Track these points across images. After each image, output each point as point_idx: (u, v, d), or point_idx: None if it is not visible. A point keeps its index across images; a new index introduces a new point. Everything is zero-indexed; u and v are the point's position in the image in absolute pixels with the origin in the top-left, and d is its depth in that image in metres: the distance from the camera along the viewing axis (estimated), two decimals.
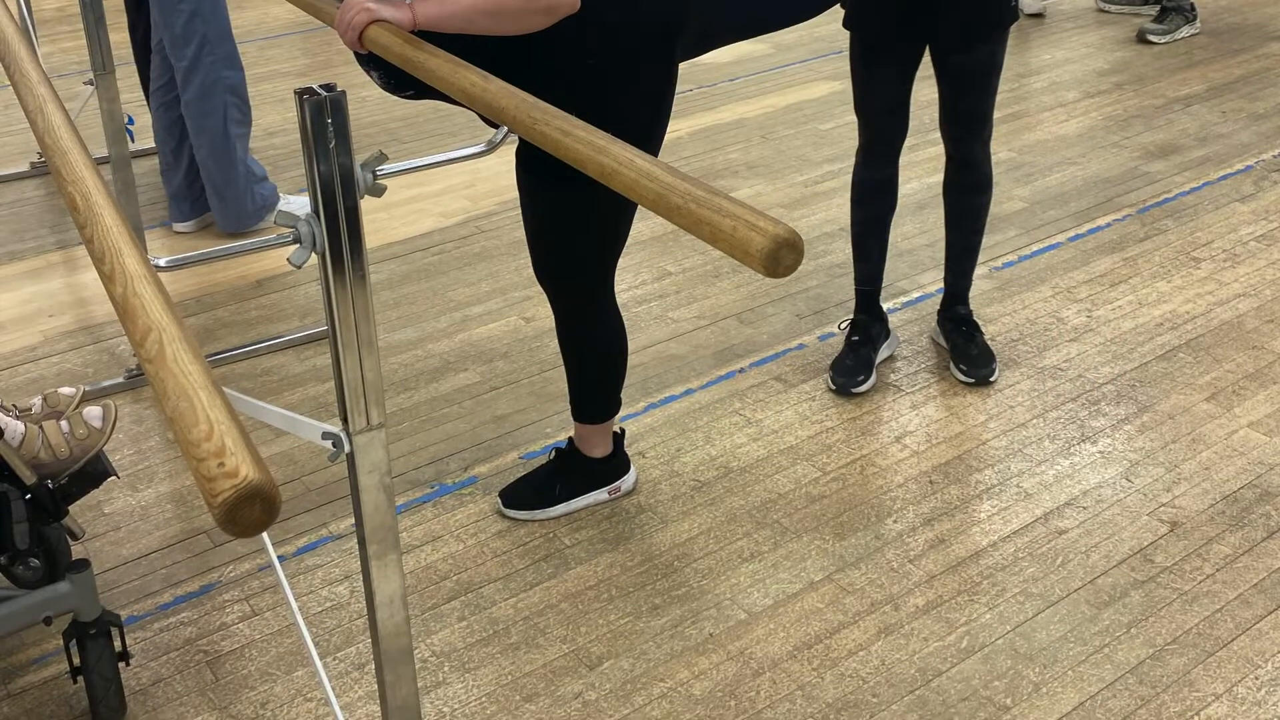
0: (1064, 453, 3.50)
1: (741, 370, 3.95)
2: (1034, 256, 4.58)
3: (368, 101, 6.29)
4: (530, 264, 3.19)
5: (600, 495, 3.38)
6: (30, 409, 2.99)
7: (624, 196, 1.65)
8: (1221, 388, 3.76)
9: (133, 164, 4.14)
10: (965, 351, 3.88)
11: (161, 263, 4.10)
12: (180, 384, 1.23)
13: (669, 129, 3.04)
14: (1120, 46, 6.95)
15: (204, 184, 4.95)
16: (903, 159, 3.81)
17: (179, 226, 5.07)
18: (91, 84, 4.14)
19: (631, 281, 4.48)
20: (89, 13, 3.94)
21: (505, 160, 3.07)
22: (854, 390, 3.80)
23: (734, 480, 3.45)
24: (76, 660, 2.68)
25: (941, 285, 4.03)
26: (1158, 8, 7.20)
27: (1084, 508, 3.29)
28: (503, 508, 3.35)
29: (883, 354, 3.94)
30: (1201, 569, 3.06)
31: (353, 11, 2.50)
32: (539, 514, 3.33)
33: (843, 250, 4.49)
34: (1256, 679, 2.75)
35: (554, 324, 3.27)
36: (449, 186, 5.35)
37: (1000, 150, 5.32)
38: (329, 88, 1.83)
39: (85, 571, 2.65)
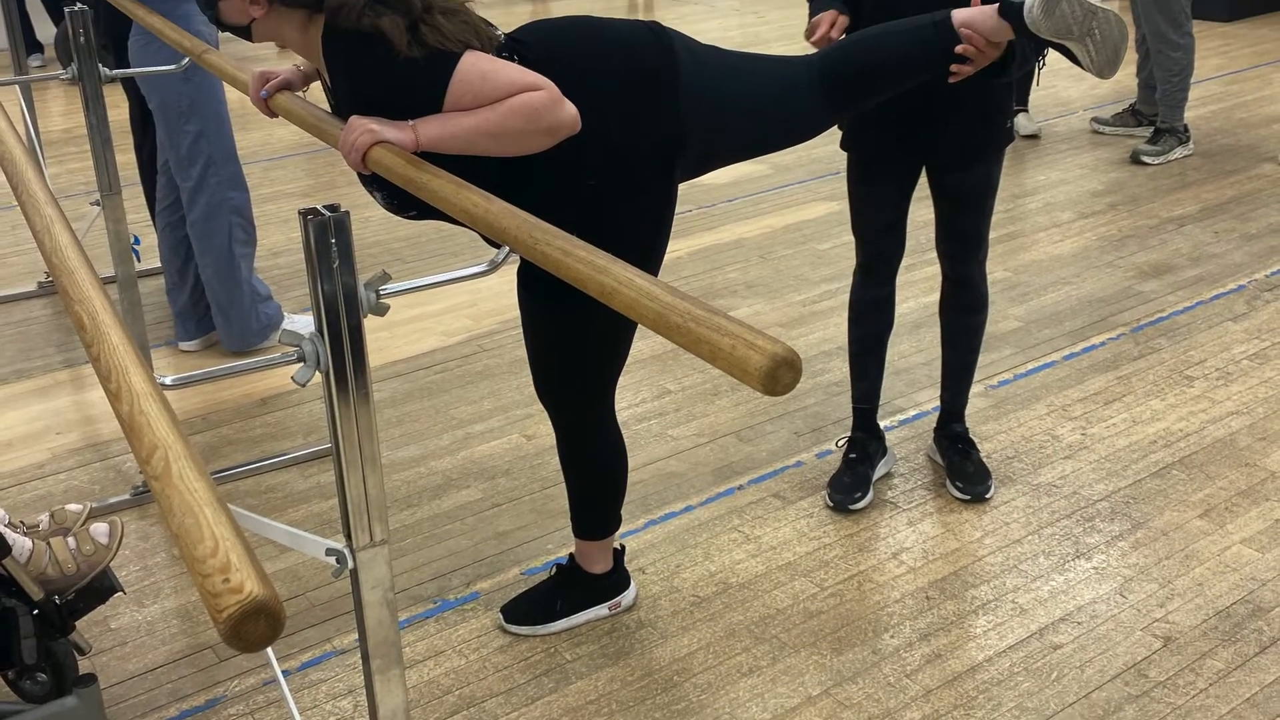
0: (1059, 568, 3.53)
1: (740, 487, 3.99)
2: (1029, 375, 4.63)
3: (371, 222, 6.36)
4: (532, 382, 3.23)
5: (601, 611, 3.40)
6: (38, 525, 3.03)
7: (624, 315, 1.66)
8: (1214, 504, 3.79)
9: (139, 283, 4.18)
10: (961, 469, 3.92)
11: (167, 381, 4.13)
12: (186, 501, 1.23)
13: (669, 249, 3.07)
14: (1114, 167, 7.04)
15: (209, 303, 5.00)
16: (899, 278, 3.87)
17: (185, 345, 5.12)
18: (98, 204, 4.20)
19: (632, 399, 4.53)
20: (96, 134, 4.01)
21: (507, 279, 3.12)
22: (851, 507, 3.84)
23: (733, 596, 3.48)
24: None
25: (938, 403, 4.07)
26: (1151, 129, 7.30)
27: (1079, 623, 3.31)
28: (504, 623, 3.37)
29: (880, 471, 3.98)
30: (1195, 684, 3.08)
31: (356, 133, 2.52)
32: (540, 629, 3.35)
33: (840, 369, 4.53)
34: None
35: (555, 441, 3.31)
36: (451, 306, 5.41)
37: (996, 270, 5.37)
38: (333, 208, 1.87)
39: (92, 686, 2.67)
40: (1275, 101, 8.25)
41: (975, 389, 4.15)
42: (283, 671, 3.14)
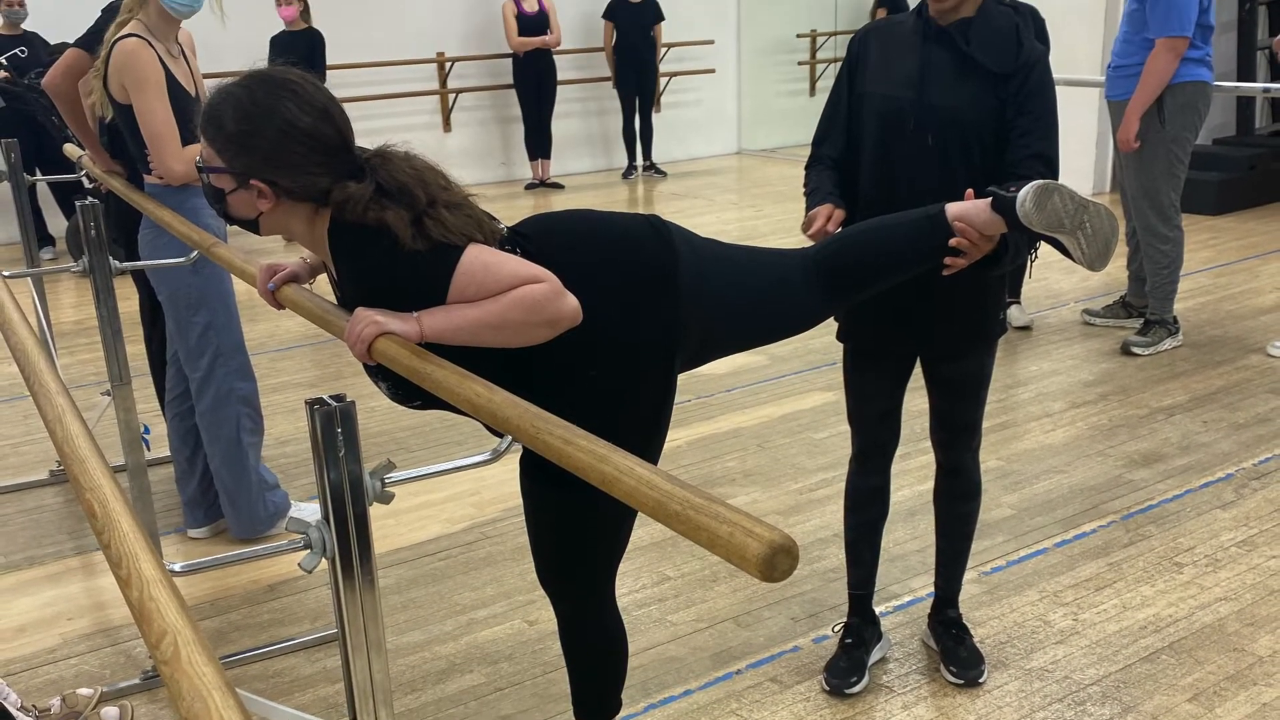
0: None
1: (739, 672, 4.04)
2: (1021, 562, 4.70)
3: (376, 411, 6.45)
4: (534, 568, 3.27)
5: None
6: (49, 710, 3.08)
7: (625, 503, 1.70)
8: (1203, 689, 3.84)
9: (148, 472, 4.25)
10: (955, 653, 3.97)
11: (177, 568, 4.15)
12: (195, 685, 1.26)
13: (668, 438, 3.09)
14: (1105, 358, 7.17)
15: (218, 491, 5.07)
16: (894, 467, 3.95)
17: (194, 533, 5.18)
18: (108, 394, 4.27)
19: (632, 585, 4.59)
20: (107, 326, 4.10)
21: (509, 468, 3.19)
22: (847, 691, 3.88)
23: None
24: None
25: (932, 589, 4.13)
26: (1141, 321, 7.43)
27: None
28: None
29: (875, 656, 4.03)
30: None
31: (361, 325, 2.54)
32: None
33: (836, 555, 4.59)
34: None
35: (557, 626, 3.36)
36: (455, 494, 5.49)
37: (989, 459, 5.46)
38: (338, 398, 1.96)
39: None
40: (1262, 294, 8.40)
41: (968, 575, 4.22)
42: None
